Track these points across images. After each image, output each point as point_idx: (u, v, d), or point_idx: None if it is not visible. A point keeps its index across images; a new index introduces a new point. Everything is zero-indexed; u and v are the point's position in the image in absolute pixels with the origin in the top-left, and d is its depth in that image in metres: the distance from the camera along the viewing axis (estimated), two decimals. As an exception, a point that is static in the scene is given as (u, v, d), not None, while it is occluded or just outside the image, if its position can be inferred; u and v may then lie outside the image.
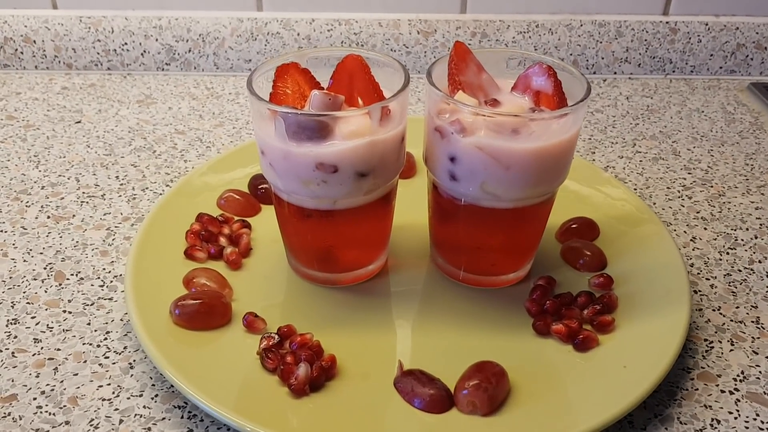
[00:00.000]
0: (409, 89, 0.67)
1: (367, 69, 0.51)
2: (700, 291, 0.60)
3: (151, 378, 0.50)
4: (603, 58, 0.95)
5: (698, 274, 0.61)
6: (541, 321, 0.53)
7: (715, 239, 0.66)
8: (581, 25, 0.93)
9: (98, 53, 0.91)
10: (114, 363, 0.51)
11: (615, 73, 0.95)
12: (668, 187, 0.73)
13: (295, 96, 0.52)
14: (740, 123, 0.86)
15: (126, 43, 0.91)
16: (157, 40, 0.91)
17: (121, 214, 0.66)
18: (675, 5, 0.92)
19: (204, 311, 0.52)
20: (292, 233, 0.56)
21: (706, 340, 0.55)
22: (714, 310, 0.58)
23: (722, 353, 0.54)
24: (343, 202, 0.52)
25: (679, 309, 0.53)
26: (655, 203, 0.70)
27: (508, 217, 0.53)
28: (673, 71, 0.95)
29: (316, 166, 0.49)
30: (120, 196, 0.69)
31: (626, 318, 0.54)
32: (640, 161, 0.77)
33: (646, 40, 0.93)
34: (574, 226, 0.63)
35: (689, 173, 0.75)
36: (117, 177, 0.72)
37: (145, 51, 0.92)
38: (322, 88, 0.52)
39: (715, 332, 0.55)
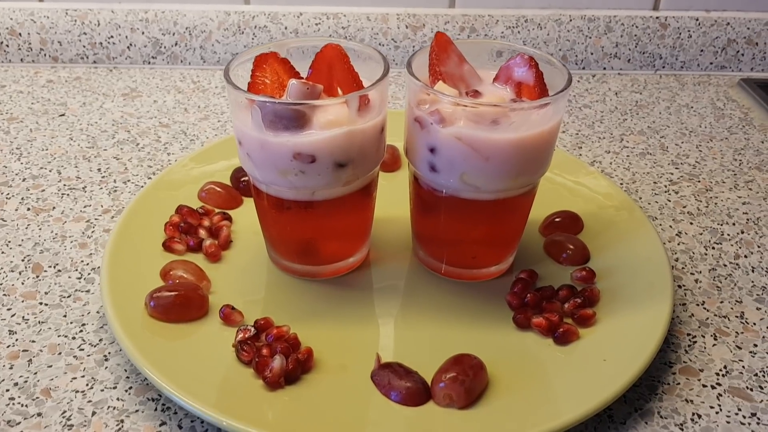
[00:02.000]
0: (390, 79, 0.67)
1: (346, 58, 0.51)
2: (684, 286, 0.59)
3: (125, 370, 0.50)
4: (592, 54, 0.94)
5: (683, 268, 0.61)
6: (521, 314, 0.52)
7: (701, 234, 0.65)
8: (570, 20, 0.92)
9: (84, 46, 0.91)
10: (89, 355, 0.51)
11: (604, 68, 0.95)
12: (655, 182, 0.72)
13: (273, 86, 0.51)
14: (729, 119, 0.85)
15: (112, 36, 0.90)
16: (143, 33, 0.90)
17: (102, 206, 0.66)
18: (665, 0, 0.92)
19: (180, 303, 0.51)
20: (271, 225, 0.56)
21: (689, 334, 0.54)
22: (698, 305, 0.57)
23: (705, 348, 0.53)
24: (322, 192, 0.51)
25: (662, 303, 0.53)
26: (641, 198, 0.70)
27: (489, 208, 0.52)
28: (663, 67, 0.95)
29: (294, 155, 0.49)
30: (101, 188, 0.68)
31: (608, 312, 0.53)
32: (627, 156, 0.77)
33: (635, 35, 0.93)
34: (557, 219, 0.62)
35: (676, 168, 0.75)
36: (99, 170, 0.71)
37: (131, 44, 0.91)
38: (301, 78, 0.52)
39: (699, 327, 0.55)
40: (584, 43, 0.93)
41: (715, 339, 0.54)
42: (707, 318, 0.56)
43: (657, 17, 0.92)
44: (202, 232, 0.59)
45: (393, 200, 0.63)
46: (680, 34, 0.93)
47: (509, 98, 0.52)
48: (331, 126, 0.48)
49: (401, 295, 0.56)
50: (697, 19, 0.92)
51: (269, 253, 0.58)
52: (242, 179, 0.65)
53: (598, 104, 0.87)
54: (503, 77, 0.53)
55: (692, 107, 0.87)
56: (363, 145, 0.50)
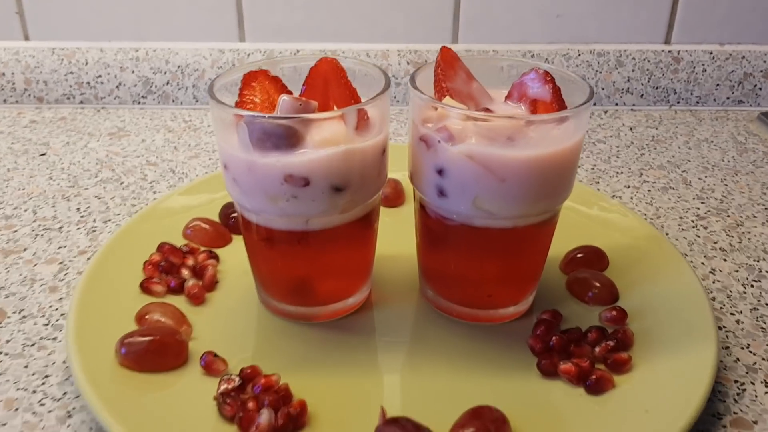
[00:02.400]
0: (392, 112, 0.62)
1: (342, 73, 0.46)
2: (725, 327, 0.52)
3: (90, 428, 0.43)
4: (603, 89, 0.90)
5: (721, 308, 0.54)
6: (546, 360, 0.46)
7: (737, 271, 0.59)
8: (579, 55, 0.88)
9: (71, 86, 0.87)
10: (50, 411, 0.44)
11: (616, 104, 0.90)
12: (681, 217, 0.66)
13: (263, 105, 0.46)
14: (753, 152, 0.80)
15: (101, 76, 0.86)
16: (133, 72, 0.86)
17: (78, 247, 0.60)
18: (677, 33, 0.88)
19: (154, 350, 0.45)
20: (261, 261, 0.50)
21: (736, 381, 0.47)
22: (743, 348, 0.50)
23: (756, 396, 0.46)
24: (316, 221, 0.46)
25: (705, 346, 0.46)
26: (667, 233, 0.64)
27: (506, 239, 0.47)
28: (678, 102, 0.90)
29: (285, 178, 0.43)
30: (79, 228, 0.62)
31: (644, 356, 0.47)
32: (649, 191, 0.71)
33: (648, 69, 0.88)
34: (580, 255, 0.56)
35: (702, 203, 0.69)
36: (78, 209, 0.65)
37: (120, 83, 0.87)
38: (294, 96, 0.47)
39: (746, 373, 0.48)
40: (594, 78, 0.89)
41: (767, 386, 0.47)
42: (755, 363, 0.49)
43: (669, 51, 0.88)
44: (185, 272, 0.53)
45: (397, 237, 0.57)
46: (694, 68, 0.88)
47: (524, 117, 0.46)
48: (326, 144, 0.43)
49: (408, 339, 0.50)
50: (711, 53, 0.88)
51: (259, 293, 0.52)
52: (232, 215, 0.60)
53: (613, 139, 0.82)
54: (516, 95, 0.48)
55: (712, 141, 0.82)
56: (362, 167, 0.45)
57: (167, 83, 0.87)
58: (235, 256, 0.57)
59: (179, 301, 0.51)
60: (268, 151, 0.43)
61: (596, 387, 0.44)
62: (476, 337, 0.49)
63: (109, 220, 0.64)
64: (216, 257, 0.56)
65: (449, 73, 0.48)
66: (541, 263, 0.51)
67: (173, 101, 0.88)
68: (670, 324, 0.49)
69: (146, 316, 0.48)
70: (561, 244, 0.56)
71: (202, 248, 0.57)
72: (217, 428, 0.41)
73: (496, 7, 0.86)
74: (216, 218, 0.60)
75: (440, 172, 0.45)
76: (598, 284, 0.53)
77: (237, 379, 0.43)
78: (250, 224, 0.48)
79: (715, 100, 0.90)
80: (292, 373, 0.45)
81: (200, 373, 0.45)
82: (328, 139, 0.43)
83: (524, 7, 0.86)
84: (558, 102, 0.46)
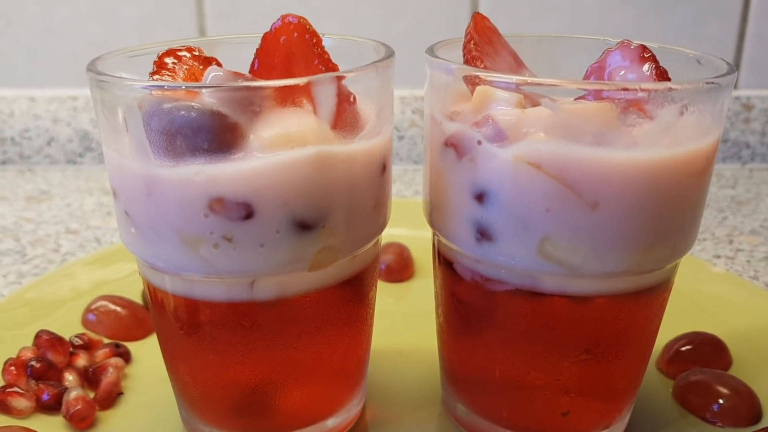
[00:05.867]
0: (395, 174, 0.44)
1: (315, 39, 0.28)
2: None
3: None
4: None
5: None
6: None
7: None
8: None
9: (-9, 143, 0.69)
10: None
11: (673, 162, 0.73)
12: (803, 291, 0.47)
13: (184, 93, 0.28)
14: None
15: (28, 129, 0.69)
16: (69, 124, 0.69)
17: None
18: (744, 77, 0.72)
19: None
20: (183, 361, 0.30)
21: None
22: None
23: None
24: (268, 282, 0.26)
25: None
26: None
27: (592, 316, 0.27)
28: (753, 158, 0.72)
29: (210, 205, 0.24)
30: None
31: None
32: (748, 261, 0.52)
33: (709, 120, 0.72)
34: (686, 348, 0.36)
35: (828, 272, 0.50)
36: (-48, 288, 0.46)
37: (52, 139, 0.69)
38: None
39: None
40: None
41: None
42: None
43: (737, 97, 0.71)
44: (70, 378, 0.34)
45: (404, 325, 0.38)
46: (768, 116, 0.72)
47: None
48: (282, 144, 0.24)
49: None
50: (786, 99, 0.71)
51: (183, 418, 0.32)
52: (160, 293, 0.40)
53: (678, 201, 0.64)
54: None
55: (810, 200, 0.64)
56: (347, 188, 0.26)
57: (112, 139, 0.69)
58: (155, 353, 0.37)
59: (53, 425, 0.31)
60: (182, 157, 0.24)
61: None
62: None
63: (-11, 304, 0.44)
64: (126, 355, 0.36)
65: (487, 50, 0.30)
66: (644, 360, 0.31)
67: (118, 161, 0.70)
68: None
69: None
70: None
71: (106, 341, 0.37)
72: None
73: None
74: (135, 298, 0.41)
75: (481, 197, 0.26)
76: (725, 391, 0.33)
77: None
78: (160, 297, 0.28)
79: (796, 155, 0.73)
80: None
81: None
82: (286, 136, 0.24)
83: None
84: (665, 89, 0.28)
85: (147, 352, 0.37)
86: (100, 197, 0.63)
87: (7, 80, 0.69)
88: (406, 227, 0.45)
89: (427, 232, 0.32)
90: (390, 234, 0.39)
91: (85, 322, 0.39)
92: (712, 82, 0.26)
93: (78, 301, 0.40)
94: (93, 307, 0.39)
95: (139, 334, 0.39)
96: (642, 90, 0.24)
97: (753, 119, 0.72)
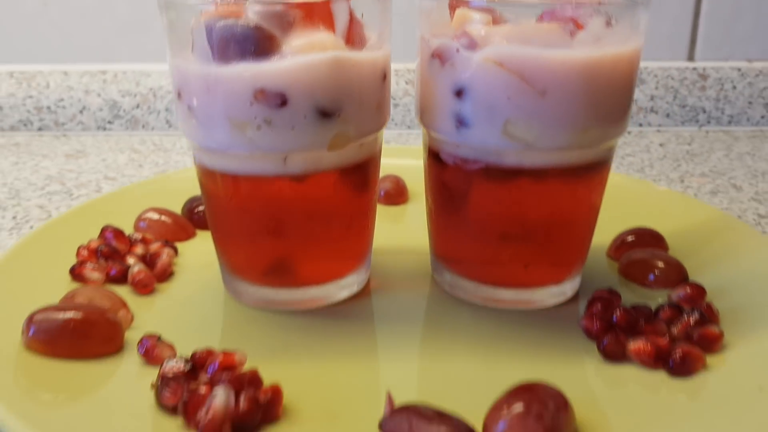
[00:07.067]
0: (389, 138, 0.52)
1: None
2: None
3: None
4: (621, 112, 0.81)
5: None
6: (611, 340, 0.34)
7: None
8: (592, 75, 0.80)
9: (29, 111, 0.77)
10: None
11: (640, 124, 0.82)
12: (740, 216, 0.56)
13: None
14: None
15: (62, 99, 0.77)
16: (99, 95, 0.77)
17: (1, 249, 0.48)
18: (700, 50, 0.80)
19: (75, 329, 0.33)
20: (227, 226, 0.38)
21: None
22: None
23: None
24: (298, 159, 0.35)
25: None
26: (726, 230, 0.53)
27: (546, 181, 0.36)
28: (708, 122, 0.81)
29: (255, 94, 0.33)
30: (11, 234, 0.51)
31: (738, 333, 0.35)
32: (695, 195, 0.61)
33: (672, 87, 0.80)
34: (631, 239, 0.45)
35: (760, 203, 0.59)
36: (14, 217, 0.54)
37: (84, 108, 0.78)
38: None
39: None
40: (610, 100, 0.81)
41: None
42: None
43: (694, 68, 0.80)
44: (131, 260, 0.42)
45: (401, 236, 0.48)
46: (723, 85, 0.80)
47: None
48: (309, 49, 0.33)
49: (420, 327, 0.38)
50: (739, 69, 0.80)
51: (226, 281, 0.40)
52: (197, 209, 0.49)
53: (643, 153, 0.73)
54: (548, 17, 0.39)
55: (755, 155, 0.72)
56: (357, 87, 0.35)
57: (137, 107, 0.78)
58: (197, 250, 0.45)
59: (120, 293, 0.39)
60: (234, 58, 0.33)
61: (683, 367, 0.32)
62: (510, 325, 0.37)
63: (50, 226, 0.52)
64: (174, 248, 0.45)
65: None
66: (591, 224, 0.39)
67: (143, 126, 0.78)
68: (760, 304, 0.37)
69: (73, 299, 0.36)
70: (606, 229, 0.45)
71: (157, 241, 0.45)
72: (156, 425, 0.29)
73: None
74: (178, 211, 0.49)
75: (459, 93, 0.35)
76: (661, 264, 0.41)
77: (184, 363, 0.31)
78: (211, 176, 0.37)
79: (748, 119, 0.82)
80: (265, 361, 0.33)
81: (138, 362, 0.33)
82: (310, 43, 0.33)
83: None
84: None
85: (189, 249, 0.46)
86: (131, 155, 0.71)
87: (44, 56, 0.78)
88: (402, 160, 0.55)
89: (418, 161, 0.41)
90: (388, 164, 0.47)
91: (137, 229, 0.47)
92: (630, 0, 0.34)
93: (130, 212, 0.48)
94: (142, 216, 0.48)
95: (182, 237, 0.47)
96: (577, 2, 0.33)
97: (708, 87, 0.81)
